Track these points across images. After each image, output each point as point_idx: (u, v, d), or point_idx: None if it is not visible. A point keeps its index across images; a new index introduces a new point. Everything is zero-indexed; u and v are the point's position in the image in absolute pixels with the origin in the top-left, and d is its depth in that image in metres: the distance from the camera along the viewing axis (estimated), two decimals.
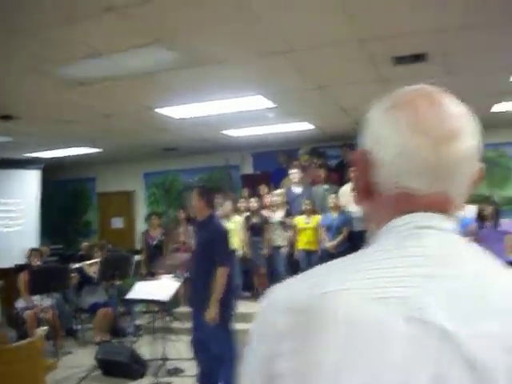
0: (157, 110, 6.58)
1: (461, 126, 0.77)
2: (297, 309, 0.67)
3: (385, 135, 0.78)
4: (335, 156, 9.67)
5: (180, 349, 6.34)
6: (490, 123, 8.73)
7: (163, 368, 5.83)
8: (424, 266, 0.69)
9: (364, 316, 0.64)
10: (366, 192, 0.82)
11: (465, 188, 0.79)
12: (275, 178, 9.37)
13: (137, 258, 8.50)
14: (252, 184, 9.44)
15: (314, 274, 0.73)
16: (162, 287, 5.76)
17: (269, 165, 10.00)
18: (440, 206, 0.76)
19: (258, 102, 6.29)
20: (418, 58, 5.00)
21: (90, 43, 4.14)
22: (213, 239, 4.56)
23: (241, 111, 6.73)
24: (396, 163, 0.76)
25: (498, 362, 0.61)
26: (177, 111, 6.69)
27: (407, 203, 0.76)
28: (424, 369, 0.60)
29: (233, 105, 6.39)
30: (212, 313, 4.40)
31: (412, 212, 0.76)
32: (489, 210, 7.06)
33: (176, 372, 5.79)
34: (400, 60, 5.04)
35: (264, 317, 0.72)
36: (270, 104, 6.46)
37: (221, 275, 4.45)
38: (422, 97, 0.79)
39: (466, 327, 0.63)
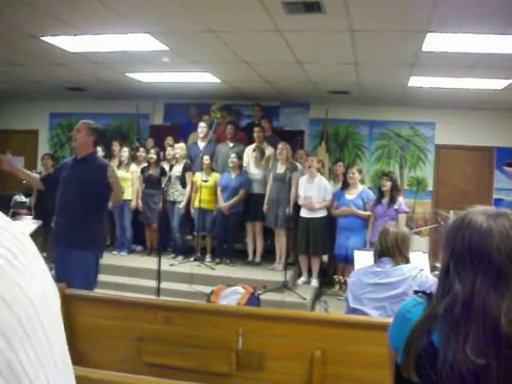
0: (43, 38, 5.99)
1: None
2: None
3: None
4: (249, 115, 9.30)
5: None
6: (406, 101, 8.60)
7: None
8: None
9: None
10: None
11: None
12: (184, 131, 8.95)
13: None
14: (159, 135, 8.97)
15: None
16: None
17: (180, 117, 9.53)
18: None
19: (148, 41, 5.80)
20: (311, 6, 4.61)
21: None
22: (101, 174, 4.19)
23: (134, 51, 6.23)
24: None
25: None
26: (66, 43, 6.13)
27: None
28: None
29: (123, 42, 5.89)
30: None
31: None
32: (388, 185, 6.94)
33: None
34: (292, 7, 4.64)
35: None
36: (162, 46, 5.98)
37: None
38: None
39: None
